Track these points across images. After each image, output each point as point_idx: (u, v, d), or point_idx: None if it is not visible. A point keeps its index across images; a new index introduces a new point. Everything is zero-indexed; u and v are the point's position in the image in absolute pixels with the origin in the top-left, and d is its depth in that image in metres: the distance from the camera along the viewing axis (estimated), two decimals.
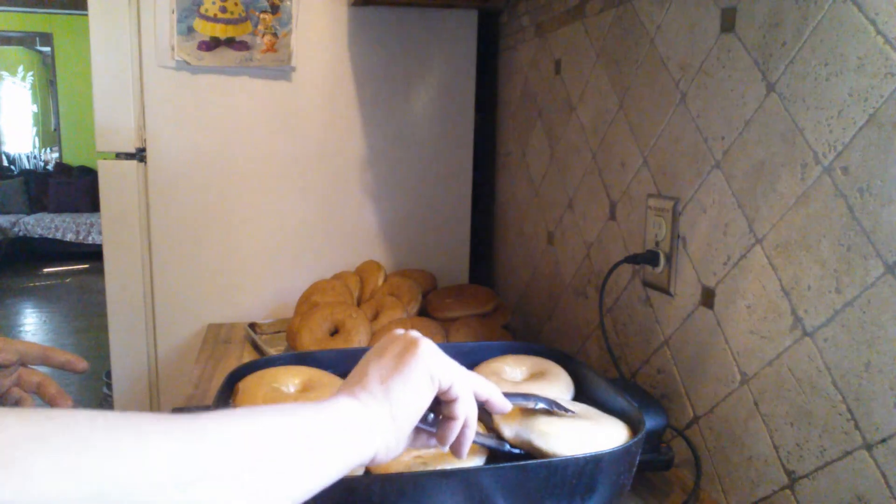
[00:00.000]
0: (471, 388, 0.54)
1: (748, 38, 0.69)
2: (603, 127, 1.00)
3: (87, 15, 1.27)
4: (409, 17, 1.38)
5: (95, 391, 2.68)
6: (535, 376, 0.81)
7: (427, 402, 0.51)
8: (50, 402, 0.69)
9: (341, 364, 0.82)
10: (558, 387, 0.78)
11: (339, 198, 1.42)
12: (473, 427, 0.54)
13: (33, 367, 0.70)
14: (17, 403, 0.69)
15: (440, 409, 0.54)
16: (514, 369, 0.83)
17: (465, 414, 0.53)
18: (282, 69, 1.34)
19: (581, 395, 0.79)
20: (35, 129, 7.20)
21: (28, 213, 6.45)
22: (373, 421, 0.48)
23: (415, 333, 0.54)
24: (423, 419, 0.53)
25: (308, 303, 1.20)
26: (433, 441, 0.55)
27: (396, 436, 0.49)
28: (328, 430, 0.45)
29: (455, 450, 0.54)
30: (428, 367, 0.51)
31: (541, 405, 0.63)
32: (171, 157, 1.33)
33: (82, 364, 0.71)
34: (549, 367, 0.82)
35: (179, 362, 1.39)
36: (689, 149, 0.79)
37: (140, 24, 1.28)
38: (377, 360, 0.52)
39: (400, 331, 0.55)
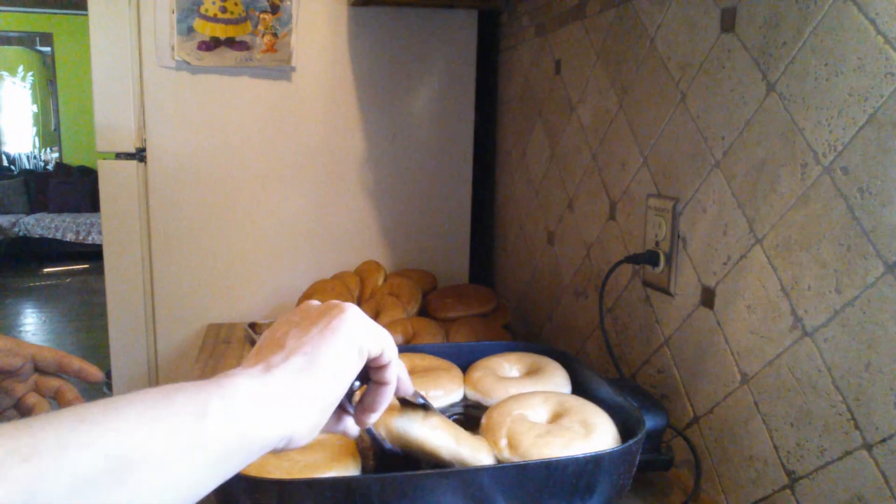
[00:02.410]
0: (397, 354, 0.51)
1: (748, 38, 0.69)
2: (603, 127, 1.00)
3: (87, 15, 1.27)
4: (409, 17, 1.38)
5: (96, 391, 2.68)
6: (531, 373, 0.82)
7: (355, 373, 0.46)
8: None
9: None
10: (554, 382, 0.78)
11: (339, 198, 1.42)
12: (393, 393, 0.52)
13: (47, 372, 0.68)
14: (31, 409, 0.67)
15: (367, 376, 0.51)
16: (511, 367, 0.83)
17: (397, 377, 0.50)
18: (282, 69, 1.34)
19: (580, 393, 0.79)
20: (35, 129, 7.20)
21: (28, 213, 6.45)
22: (288, 399, 0.41)
23: (338, 301, 0.49)
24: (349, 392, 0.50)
25: None
26: (341, 426, 0.51)
27: (320, 414, 0.43)
28: (217, 423, 0.37)
29: (367, 413, 0.51)
30: (356, 336, 0.46)
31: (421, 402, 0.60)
32: (171, 157, 1.33)
33: (97, 375, 0.69)
34: (545, 363, 0.83)
35: (179, 362, 1.39)
36: (689, 149, 0.79)
37: (140, 24, 1.28)
38: (296, 329, 0.45)
39: (315, 302, 0.50)
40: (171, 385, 0.37)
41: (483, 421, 0.69)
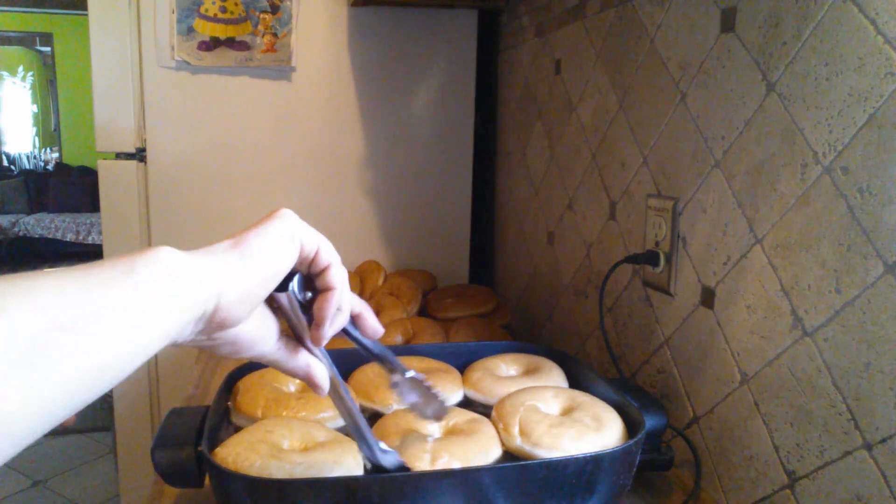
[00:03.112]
0: (339, 259, 0.49)
1: (748, 38, 0.69)
2: (603, 127, 1.00)
3: (87, 15, 1.27)
4: (409, 17, 1.38)
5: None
6: (528, 372, 0.82)
7: (288, 260, 0.45)
8: None
9: (341, 363, 0.82)
10: (552, 381, 0.79)
11: (339, 198, 1.42)
12: (346, 313, 0.50)
13: None
14: None
15: (314, 286, 0.49)
16: (508, 367, 0.84)
17: (342, 284, 0.48)
18: (282, 69, 1.34)
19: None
20: (35, 129, 7.20)
21: (28, 213, 6.45)
22: (210, 267, 0.40)
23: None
24: (300, 305, 0.48)
25: None
26: (301, 360, 0.49)
27: (247, 285, 0.42)
28: (145, 277, 0.36)
29: (317, 328, 0.49)
30: (289, 226, 0.45)
31: (410, 375, 0.58)
32: (171, 157, 1.33)
33: None
34: (543, 363, 0.83)
35: (179, 362, 1.39)
36: (689, 149, 0.79)
37: (140, 24, 1.28)
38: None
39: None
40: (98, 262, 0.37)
41: (494, 411, 0.70)
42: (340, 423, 0.73)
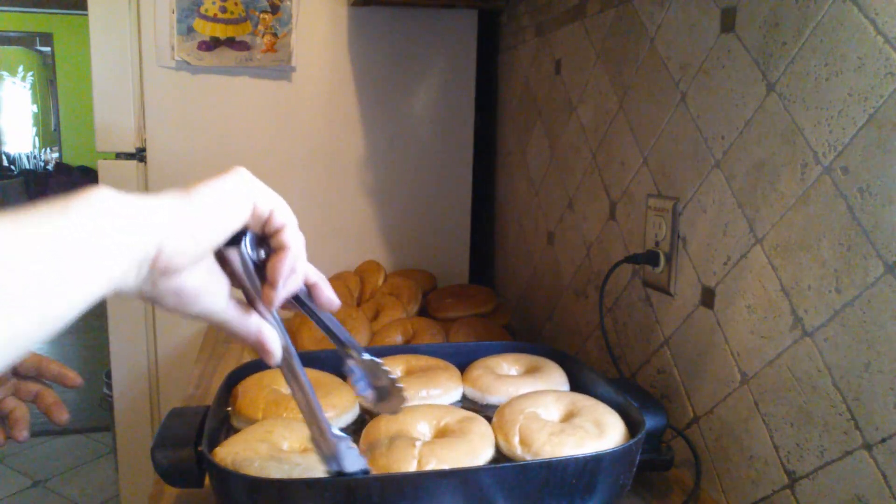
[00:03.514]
0: (296, 222, 0.48)
1: (748, 38, 0.69)
2: (603, 127, 1.00)
3: (87, 15, 1.27)
4: (409, 17, 1.38)
5: (95, 391, 2.68)
6: (529, 372, 0.82)
7: (239, 213, 0.44)
8: (46, 412, 0.67)
9: (341, 364, 0.82)
10: (553, 382, 0.79)
11: (339, 198, 1.42)
12: (301, 276, 0.49)
13: (27, 376, 0.67)
14: (10, 414, 0.67)
15: (268, 248, 0.48)
16: (509, 366, 0.84)
17: (297, 245, 0.47)
18: (282, 69, 1.34)
19: (579, 392, 0.79)
20: (35, 129, 7.20)
21: None
22: (154, 209, 0.38)
23: None
24: (254, 265, 0.46)
25: None
26: (253, 324, 0.47)
27: (192, 230, 0.40)
28: (81, 216, 0.35)
29: (270, 288, 0.47)
30: (244, 183, 0.44)
31: (367, 357, 0.55)
32: (171, 157, 1.33)
33: (74, 379, 0.68)
34: (543, 363, 0.83)
35: (179, 362, 1.39)
36: (689, 149, 0.79)
37: (140, 24, 1.28)
38: None
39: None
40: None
41: (494, 418, 0.69)
42: (341, 423, 0.73)
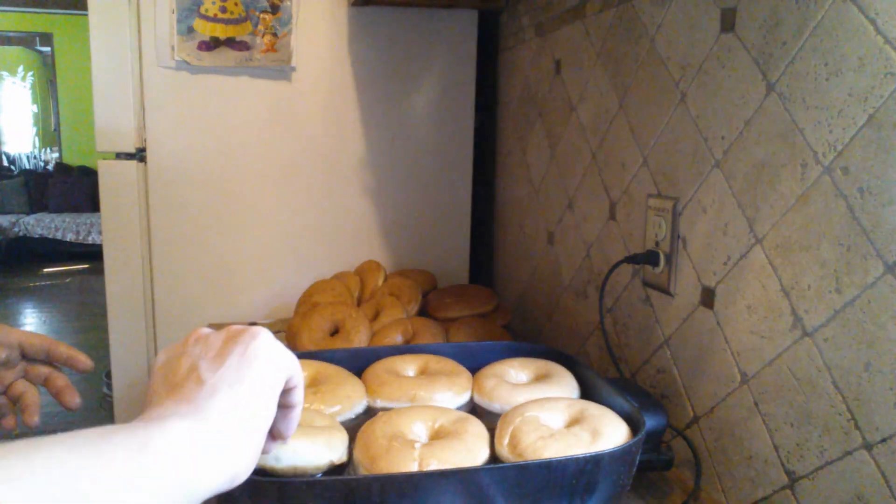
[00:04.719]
0: (303, 380, 0.51)
1: (748, 38, 0.69)
2: (603, 127, 1.00)
3: (87, 15, 1.27)
4: (409, 17, 1.38)
5: (95, 391, 2.68)
6: (539, 379, 0.81)
7: (279, 395, 0.45)
8: (57, 395, 0.66)
9: (341, 364, 0.82)
10: (564, 389, 0.78)
11: (339, 198, 1.42)
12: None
13: (36, 359, 0.67)
14: (20, 397, 0.66)
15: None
16: (518, 372, 0.82)
17: (302, 398, 0.50)
18: (282, 69, 1.34)
19: (584, 396, 0.79)
20: (35, 129, 7.20)
21: (28, 213, 6.45)
22: (228, 441, 0.40)
23: (242, 325, 0.48)
24: None
25: (308, 303, 1.20)
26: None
27: (258, 447, 0.42)
28: (159, 458, 0.35)
29: (277, 441, 0.50)
30: (275, 358, 0.45)
31: None
32: (171, 157, 1.33)
33: (86, 363, 0.67)
34: (554, 369, 0.82)
35: None
36: (689, 149, 0.79)
37: (140, 24, 1.28)
38: (206, 361, 0.43)
39: (207, 330, 0.48)
40: (107, 426, 0.35)
41: (500, 418, 0.69)
42: (350, 415, 0.74)
